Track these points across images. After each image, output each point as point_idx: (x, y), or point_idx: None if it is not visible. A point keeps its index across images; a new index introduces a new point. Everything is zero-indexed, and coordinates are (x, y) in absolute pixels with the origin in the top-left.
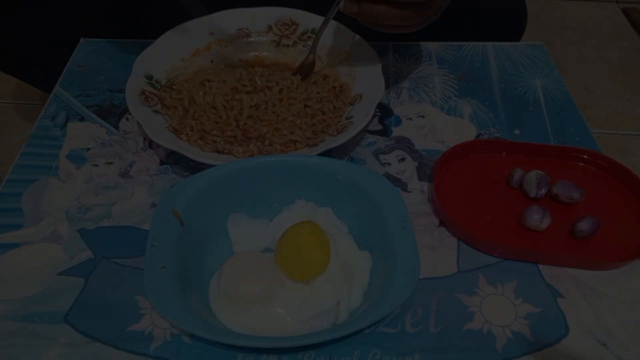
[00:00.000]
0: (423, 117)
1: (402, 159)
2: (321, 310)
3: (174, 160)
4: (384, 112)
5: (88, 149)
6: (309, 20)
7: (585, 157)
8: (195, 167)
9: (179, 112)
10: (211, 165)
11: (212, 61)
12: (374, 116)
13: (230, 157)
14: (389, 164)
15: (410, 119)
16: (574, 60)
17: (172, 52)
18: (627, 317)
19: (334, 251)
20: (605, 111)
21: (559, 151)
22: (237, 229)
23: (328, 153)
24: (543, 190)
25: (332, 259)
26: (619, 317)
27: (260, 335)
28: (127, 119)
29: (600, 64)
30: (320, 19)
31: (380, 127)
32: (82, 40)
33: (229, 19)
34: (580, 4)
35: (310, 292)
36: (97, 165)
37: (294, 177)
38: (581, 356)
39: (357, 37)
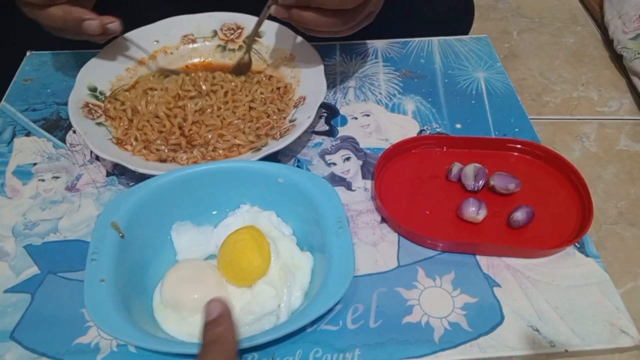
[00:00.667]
0: (368, 115)
1: (347, 159)
2: (263, 313)
3: (120, 171)
4: (330, 112)
5: (35, 164)
6: (253, 23)
7: (522, 147)
8: (141, 177)
9: (124, 123)
10: (153, 175)
11: (153, 76)
12: (320, 117)
13: (173, 166)
14: (335, 164)
15: (356, 118)
16: (531, 48)
17: (116, 62)
18: (560, 302)
19: (275, 254)
20: (560, 97)
21: (497, 143)
22: (181, 237)
23: (274, 156)
24: (480, 183)
25: (273, 262)
26: (552, 302)
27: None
28: (74, 132)
29: (556, 50)
30: (266, 22)
31: (326, 127)
32: (28, 53)
33: (174, 26)
34: None
35: (252, 296)
36: (43, 180)
37: (237, 183)
38: (515, 342)
39: (300, 38)
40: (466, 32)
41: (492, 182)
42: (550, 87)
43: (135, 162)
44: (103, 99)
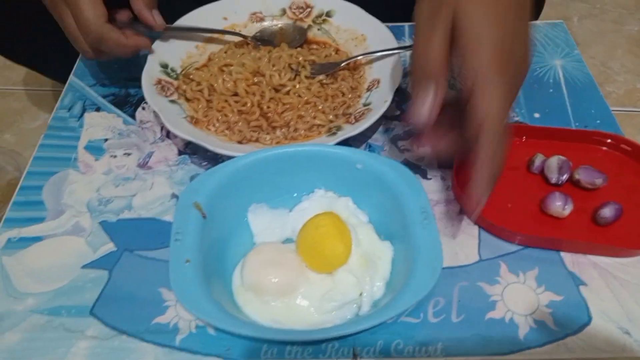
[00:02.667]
0: None
1: None
2: (344, 302)
3: (192, 150)
4: (401, 97)
5: (106, 140)
6: (324, 2)
7: (608, 141)
8: (213, 156)
9: (202, 104)
10: (230, 156)
11: (226, 52)
12: (392, 102)
13: (250, 147)
14: (408, 150)
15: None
16: (592, 35)
17: (186, 39)
18: None
19: (355, 242)
20: (623, 87)
21: (581, 135)
22: (258, 220)
23: (346, 141)
24: (565, 176)
25: (353, 250)
26: None
27: (285, 328)
28: (144, 108)
29: (619, 38)
30: (335, 0)
31: (397, 112)
32: None
33: (242, 4)
34: None
35: (333, 284)
36: (115, 157)
37: (313, 167)
38: (604, 344)
39: (374, 19)
40: (535, 18)
41: (576, 176)
42: (612, 77)
43: (211, 142)
44: (175, 75)
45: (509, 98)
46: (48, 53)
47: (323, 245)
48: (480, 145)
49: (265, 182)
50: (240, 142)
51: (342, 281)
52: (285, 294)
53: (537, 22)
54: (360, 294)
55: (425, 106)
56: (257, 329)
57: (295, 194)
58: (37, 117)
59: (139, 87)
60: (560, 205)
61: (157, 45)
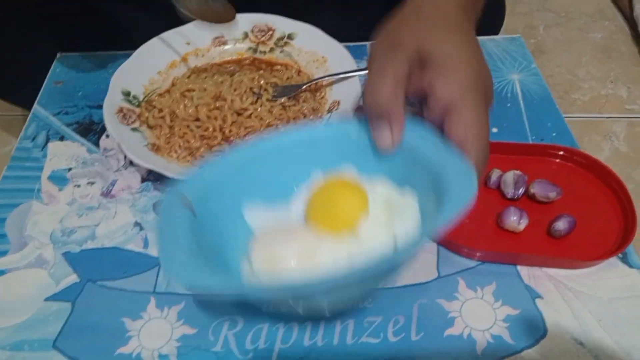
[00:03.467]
0: None
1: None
2: (377, 252)
3: (155, 177)
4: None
5: (69, 169)
6: (285, 25)
7: (562, 154)
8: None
9: (164, 131)
10: None
11: (188, 77)
12: None
13: None
14: None
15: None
16: (558, 43)
17: (148, 65)
18: (604, 314)
19: (372, 193)
20: (589, 94)
21: (536, 149)
22: (256, 218)
23: None
24: (520, 191)
25: (373, 202)
26: (596, 314)
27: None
28: (107, 136)
29: (584, 46)
30: (296, 23)
31: None
32: (59, 55)
33: (204, 28)
34: None
35: (359, 243)
36: (79, 186)
37: (303, 152)
38: (559, 357)
39: (334, 41)
40: (497, 30)
41: (532, 190)
42: (578, 84)
43: (173, 169)
44: (137, 103)
45: (486, 110)
46: (11, 80)
47: (338, 200)
48: (471, 150)
49: (254, 179)
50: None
51: (369, 235)
52: (301, 260)
53: (496, 37)
54: (394, 238)
55: (387, 141)
56: (285, 285)
57: (289, 186)
58: (8, 142)
59: (103, 115)
60: (515, 220)
61: (119, 72)
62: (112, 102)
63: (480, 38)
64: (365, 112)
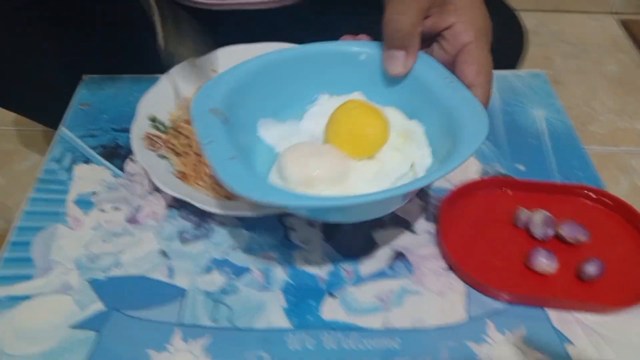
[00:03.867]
0: None
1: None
2: (397, 177)
3: (180, 203)
4: None
5: (94, 193)
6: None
7: (589, 194)
8: (201, 211)
9: (191, 158)
10: (217, 213)
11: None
12: None
13: (237, 203)
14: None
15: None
16: (574, 74)
17: (175, 91)
18: None
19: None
20: (606, 127)
21: (563, 189)
22: (270, 134)
23: None
24: (549, 232)
25: (391, 127)
26: None
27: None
28: (133, 161)
29: (600, 78)
30: None
31: None
32: (84, 77)
33: (232, 56)
34: (577, 16)
35: (381, 164)
36: (104, 211)
37: (310, 71)
38: None
39: None
40: (515, 63)
41: (560, 231)
42: (595, 117)
43: (199, 198)
44: (164, 129)
45: (490, 54)
46: (37, 100)
47: (362, 124)
48: (481, 87)
49: (263, 94)
50: (228, 198)
51: (389, 159)
52: (337, 181)
53: (520, 71)
54: (412, 165)
55: (399, 68)
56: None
57: (298, 104)
58: (28, 158)
59: (128, 138)
60: (545, 263)
61: (146, 98)
62: (139, 127)
63: (503, 72)
64: (384, 37)
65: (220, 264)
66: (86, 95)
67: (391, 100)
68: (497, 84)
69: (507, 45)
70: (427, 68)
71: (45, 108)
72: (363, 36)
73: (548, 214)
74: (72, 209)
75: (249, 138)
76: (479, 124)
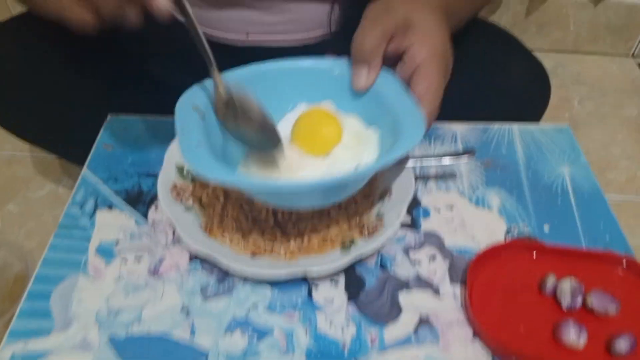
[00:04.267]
0: (451, 208)
1: (433, 258)
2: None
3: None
4: (411, 202)
5: (117, 242)
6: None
7: (619, 262)
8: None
9: (217, 211)
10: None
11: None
12: None
13: (263, 261)
14: (420, 263)
15: (439, 210)
16: (592, 118)
17: None
18: None
19: (346, 125)
20: (625, 174)
21: (592, 256)
22: None
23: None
24: (578, 302)
25: (346, 132)
26: None
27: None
28: (156, 207)
29: (619, 122)
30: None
31: (408, 219)
32: (109, 117)
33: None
34: (596, 58)
35: (331, 161)
36: (126, 261)
37: (290, 83)
38: None
39: None
40: (540, 114)
41: (589, 302)
42: (614, 164)
43: (225, 254)
44: (190, 178)
45: (443, 80)
46: (61, 136)
47: (319, 125)
48: (428, 102)
49: None
50: (254, 253)
51: (338, 158)
52: (290, 172)
53: (544, 125)
54: (357, 166)
55: (362, 82)
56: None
57: (279, 111)
58: (43, 186)
59: (152, 184)
60: (575, 338)
61: (175, 145)
62: (167, 177)
63: (527, 126)
64: (352, 54)
65: (242, 324)
66: (110, 136)
67: (353, 108)
68: (522, 138)
69: (533, 96)
70: (387, 83)
71: (69, 144)
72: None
73: (576, 282)
74: (94, 259)
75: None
76: (416, 131)
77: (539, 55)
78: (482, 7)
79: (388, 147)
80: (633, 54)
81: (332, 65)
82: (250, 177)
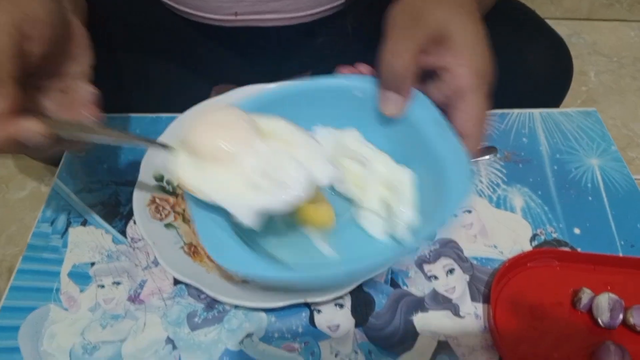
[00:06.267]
0: (470, 212)
1: (451, 271)
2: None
3: None
4: None
5: (92, 264)
6: None
7: None
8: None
9: None
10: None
11: None
12: None
13: (250, 294)
14: (436, 278)
15: (455, 214)
16: (611, 93)
17: None
18: None
19: (372, 172)
20: None
21: (632, 263)
22: None
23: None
24: (617, 319)
25: (370, 183)
26: None
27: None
28: (135, 223)
29: (639, 96)
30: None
31: None
32: None
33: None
34: (613, 25)
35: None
36: (103, 287)
37: (306, 103)
38: None
39: None
40: (563, 95)
41: (631, 319)
42: (635, 141)
43: (210, 283)
44: (171, 190)
45: (489, 101)
46: None
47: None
48: (474, 139)
49: None
50: (244, 282)
51: (368, 216)
52: (221, 160)
53: (569, 110)
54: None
55: (392, 110)
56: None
57: None
58: (24, 187)
59: (131, 194)
60: None
61: (151, 154)
62: (144, 190)
63: (551, 111)
64: (380, 76)
65: (236, 358)
66: None
67: (383, 141)
68: (544, 125)
69: (554, 78)
70: (422, 111)
71: None
72: (361, 66)
73: (615, 297)
74: (67, 285)
75: None
76: (462, 185)
77: (551, 23)
78: None
79: (426, 197)
80: None
81: (353, 84)
82: (289, 269)
